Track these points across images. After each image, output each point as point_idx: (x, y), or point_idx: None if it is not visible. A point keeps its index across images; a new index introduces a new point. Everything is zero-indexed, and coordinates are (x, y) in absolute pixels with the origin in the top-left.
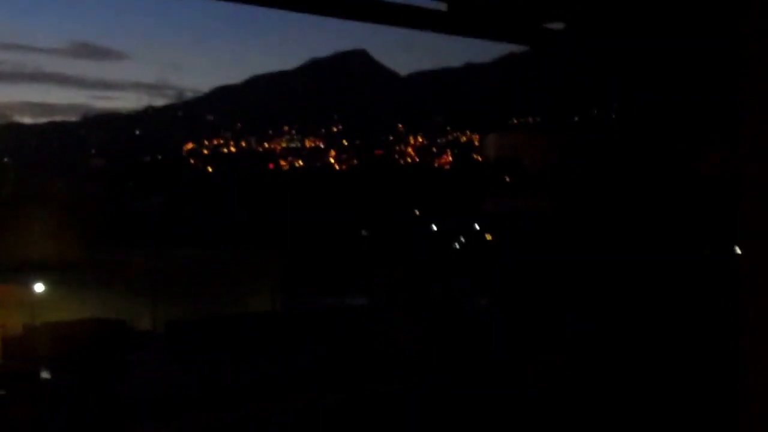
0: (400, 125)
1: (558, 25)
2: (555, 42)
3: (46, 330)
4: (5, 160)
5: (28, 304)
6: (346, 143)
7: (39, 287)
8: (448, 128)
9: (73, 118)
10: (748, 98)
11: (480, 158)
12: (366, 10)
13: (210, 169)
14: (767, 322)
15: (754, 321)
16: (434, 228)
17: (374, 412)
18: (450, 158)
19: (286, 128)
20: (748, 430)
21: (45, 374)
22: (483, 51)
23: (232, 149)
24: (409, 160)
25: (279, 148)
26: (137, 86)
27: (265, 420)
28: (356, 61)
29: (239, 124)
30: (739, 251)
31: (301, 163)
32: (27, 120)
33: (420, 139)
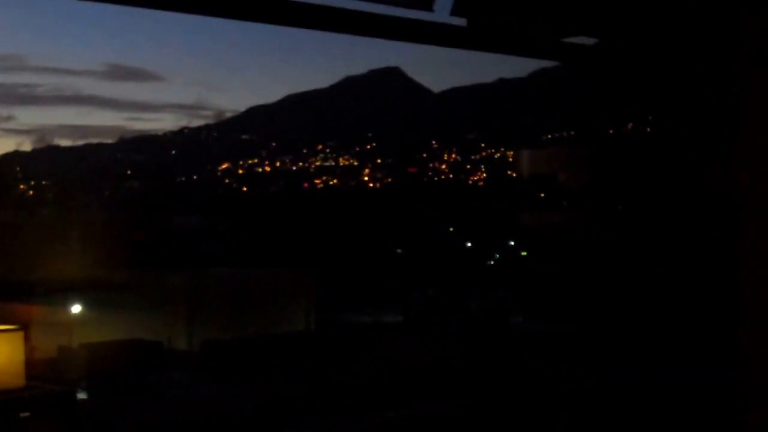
0: (434, 142)
1: (584, 40)
2: (581, 57)
3: (81, 351)
4: (44, 182)
5: (64, 325)
6: (380, 161)
7: (75, 308)
8: (482, 144)
9: (109, 140)
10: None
11: (514, 174)
12: (383, 26)
13: (245, 189)
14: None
15: (754, 334)
16: (468, 244)
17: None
18: (484, 174)
19: (320, 147)
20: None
21: (80, 395)
22: (515, 66)
23: (267, 168)
24: (443, 177)
25: (313, 166)
26: (174, 107)
27: None
28: (390, 79)
29: (273, 144)
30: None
31: (335, 181)
32: (65, 142)
33: (454, 156)
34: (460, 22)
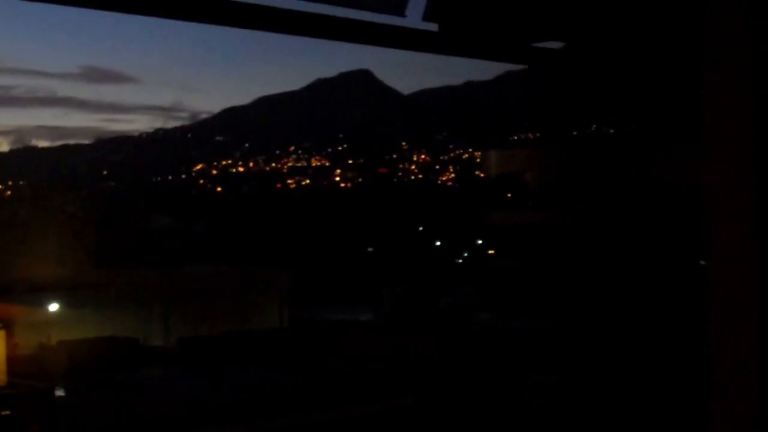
0: (403, 143)
1: (552, 44)
2: (549, 61)
3: (60, 348)
4: (21, 182)
5: (43, 323)
6: (351, 162)
7: (53, 307)
8: (451, 146)
9: (86, 141)
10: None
11: (482, 174)
12: (357, 31)
13: (219, 189)
14: (733, 331)
15: (721, 330)
16: (438, 243)
17: (388, 426)
18: (452, 174)
19: (292, 148)
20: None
21: (59, 392)
22: (482, 69)
23: (240, 169)
24: (412, 177)
25: (286, 167)
26: (149, 109)
27: None
28: (361, 81)
29: (247, 145)
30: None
31: (307, 181)
32: (42, 143)
33: (423, 157)
34: (431, 27)
